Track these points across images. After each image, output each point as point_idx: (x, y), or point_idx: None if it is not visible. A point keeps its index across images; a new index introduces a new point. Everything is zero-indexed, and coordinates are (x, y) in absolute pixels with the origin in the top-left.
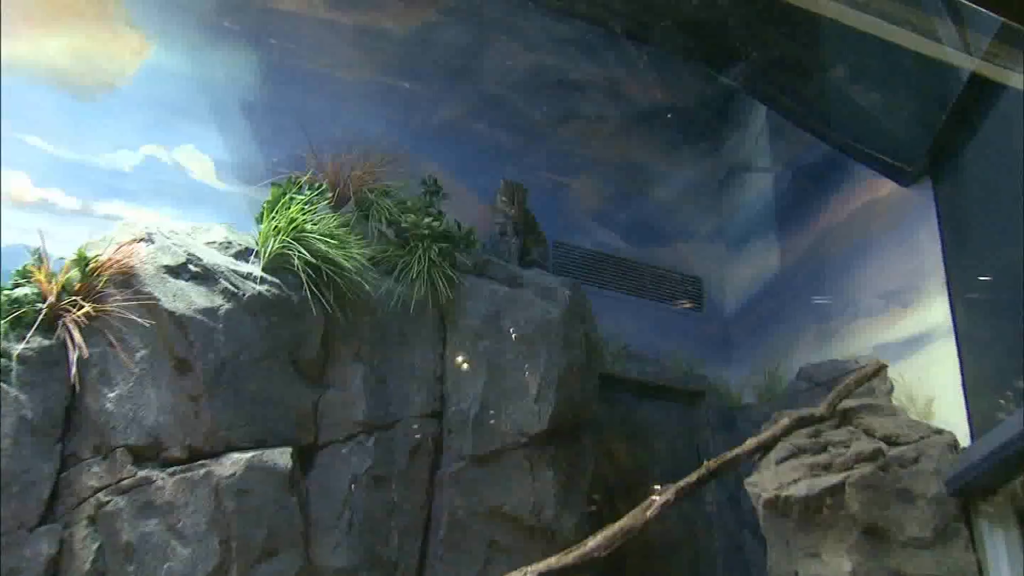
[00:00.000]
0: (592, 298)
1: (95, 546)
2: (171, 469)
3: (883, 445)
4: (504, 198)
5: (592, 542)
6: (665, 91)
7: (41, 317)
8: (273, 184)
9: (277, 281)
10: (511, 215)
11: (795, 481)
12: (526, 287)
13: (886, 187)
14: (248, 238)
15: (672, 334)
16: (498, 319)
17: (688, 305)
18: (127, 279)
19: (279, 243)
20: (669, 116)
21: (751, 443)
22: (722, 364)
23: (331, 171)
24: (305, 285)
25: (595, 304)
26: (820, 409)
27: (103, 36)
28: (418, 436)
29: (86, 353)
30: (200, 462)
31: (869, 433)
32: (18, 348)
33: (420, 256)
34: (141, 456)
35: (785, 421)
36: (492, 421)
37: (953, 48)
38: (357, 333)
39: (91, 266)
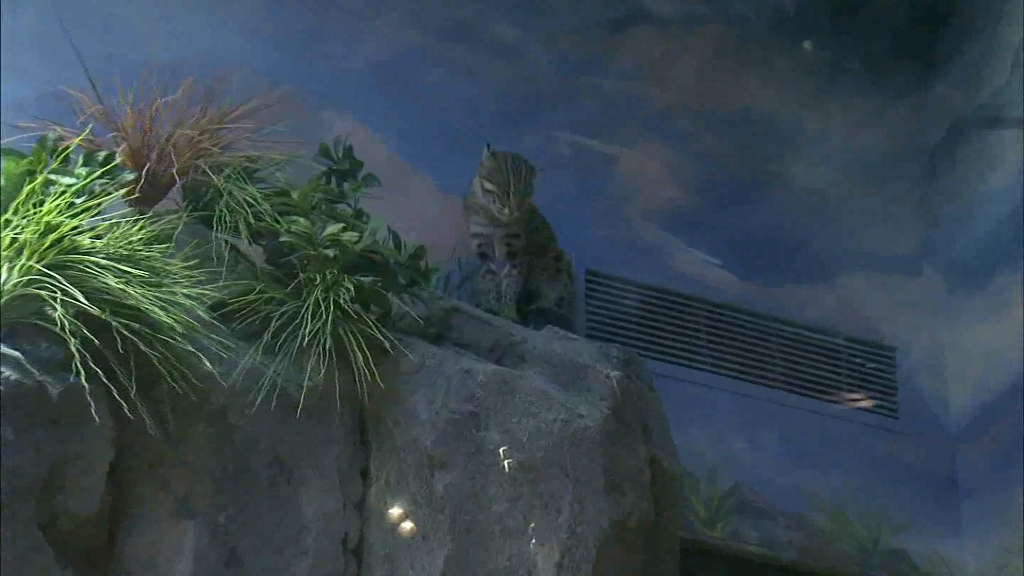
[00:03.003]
0: (664, 386)
1: None
2: None
3: None
4: (490, 185)
5: None
6: None
7: None
8: (5, 153)
9: (15, 355)
10: (503, 219)
11: None
12: (531, 363)
13: None
14: None
15: (836, 463)
16: (475, 428)
17: (867, 405)
18: None
19: (21, 275)
20: (823, 25)
21: None
22: (943, 528)
23: (131, 125)
24: (76, 362)
25: (670, 397)
26: None
27: None
28: None
29: None
30: None
31: None
32: None
33: (318, 301)
34: None
35: None
36: None
37: None
38: (186, 460)
39: None
